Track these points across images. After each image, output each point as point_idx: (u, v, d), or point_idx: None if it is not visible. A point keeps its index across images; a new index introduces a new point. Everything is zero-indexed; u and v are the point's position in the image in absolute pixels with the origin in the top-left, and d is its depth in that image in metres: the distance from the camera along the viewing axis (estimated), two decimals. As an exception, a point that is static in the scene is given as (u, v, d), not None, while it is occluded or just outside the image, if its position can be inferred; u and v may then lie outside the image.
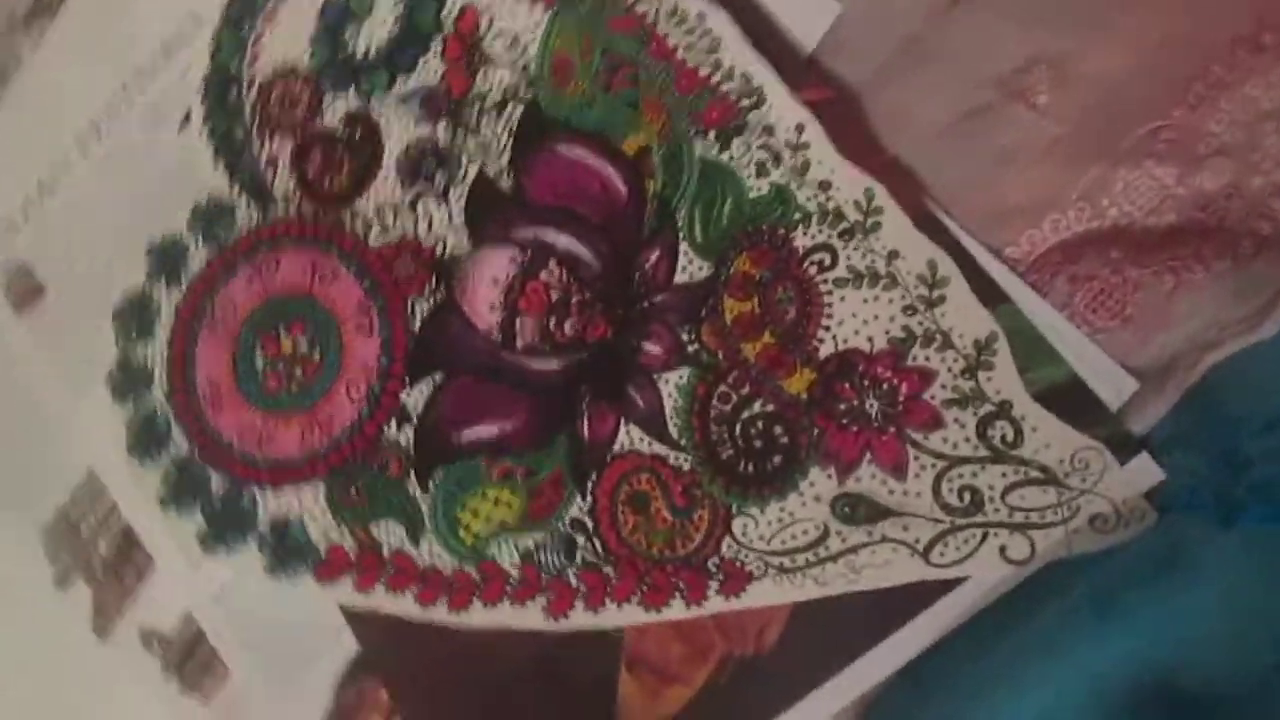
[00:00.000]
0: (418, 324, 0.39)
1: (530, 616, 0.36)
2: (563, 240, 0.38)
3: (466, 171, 0.39)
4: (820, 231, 0.36)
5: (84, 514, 0.42)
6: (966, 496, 0.34)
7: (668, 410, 0.36)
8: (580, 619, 0.36)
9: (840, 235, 0.36)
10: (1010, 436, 0.34)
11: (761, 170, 0.37)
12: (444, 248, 0.39)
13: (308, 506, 0.39)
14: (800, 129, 0.36)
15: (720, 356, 0.36)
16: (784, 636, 0.34)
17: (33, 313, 0.43)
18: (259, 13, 0.42)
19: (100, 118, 0.43)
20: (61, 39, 0.43)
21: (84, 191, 0.43)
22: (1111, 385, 0.33)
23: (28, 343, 0.43)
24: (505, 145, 0.39)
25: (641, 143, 0.38)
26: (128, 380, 0.42)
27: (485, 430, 0.38)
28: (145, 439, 0.41)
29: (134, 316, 0.42)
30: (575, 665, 0.36)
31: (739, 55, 0.37)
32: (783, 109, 0.37)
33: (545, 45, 0.39)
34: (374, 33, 0.41)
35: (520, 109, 0.39)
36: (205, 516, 0.39)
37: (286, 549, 0.38)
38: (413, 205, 0.40)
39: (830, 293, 0.36)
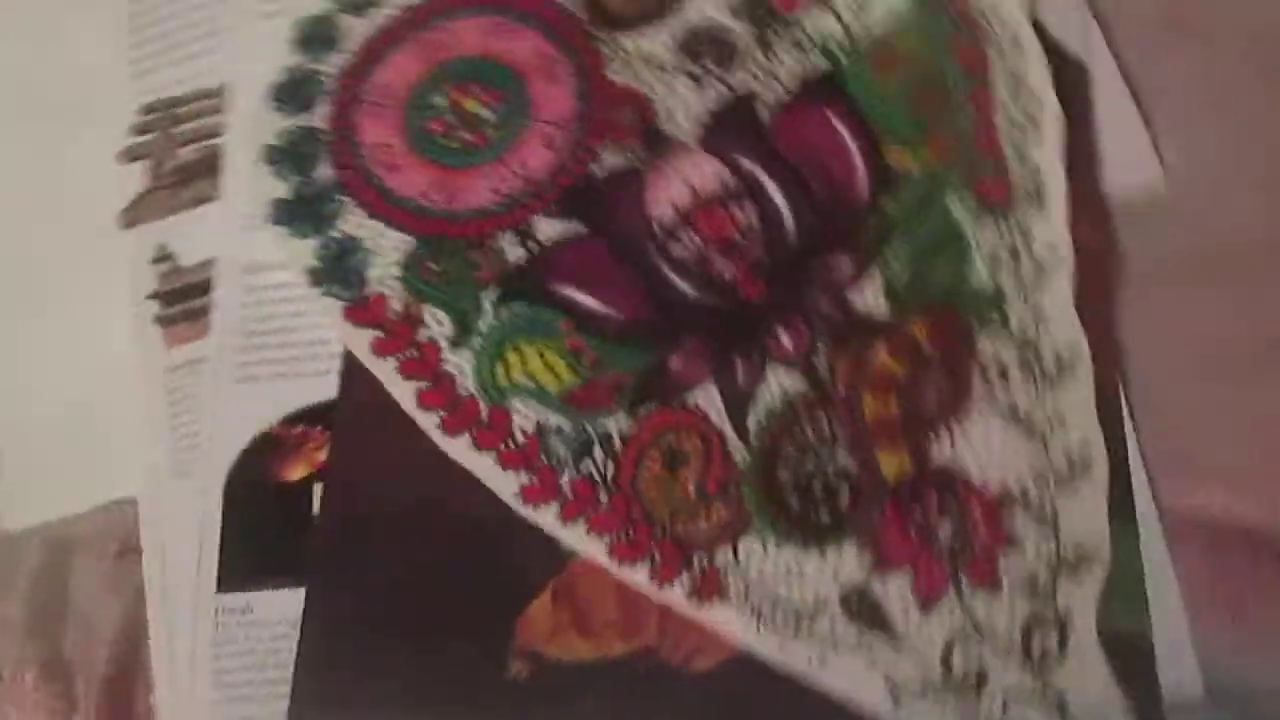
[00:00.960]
0: (599, 169, 0.37)
1: (505, 484, 0.33)
2: (777, 195, 0.36)
3: (736, 80, 0.37)
4: (1009, 352, 0.33)
5: (192, 116, 0.40)
6: (973, 674, 0.31)
7: (757, 400, 0.34)
8: (546, 518, 0.33)
9: (1023, 368, 0.33)
10: (1050, 651, 0.31)
11: (996, 264, 0.34)
12: (668, 124, 0.37)
13: (385, 249, 0.36)
14: (1054, 252, 0.34)
15: (839, 390, 0.34)
16: (714, 672, 0.31)
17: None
18: None
19: None
20: None
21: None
22: (1178, 676, 0.30)
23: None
24: (789, 83, 0.37)
25: (907, 163, 0.36)
26: (306, 34, 0.39)
27: (587, 298, 0.35)
28: (293, 95, 0.38)
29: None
30: (509, 553, 0.33)
31: (1049, 160, 0.35)
32: (1052, 225, 0.34)
33: (886, 27, 0.37)
34: (746, -90, 0.39)
35: (823, 62, 0.37)
36: (293, 187, 0.37)
37: (340, 268, 0.36)
38: (669, 73, 0.38)
39: (981, 411, 0.33)
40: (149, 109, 0.40)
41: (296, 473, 0.35)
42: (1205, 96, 0.37)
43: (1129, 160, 0.36)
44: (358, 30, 0.39)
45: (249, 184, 0.38)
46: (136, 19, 0.42)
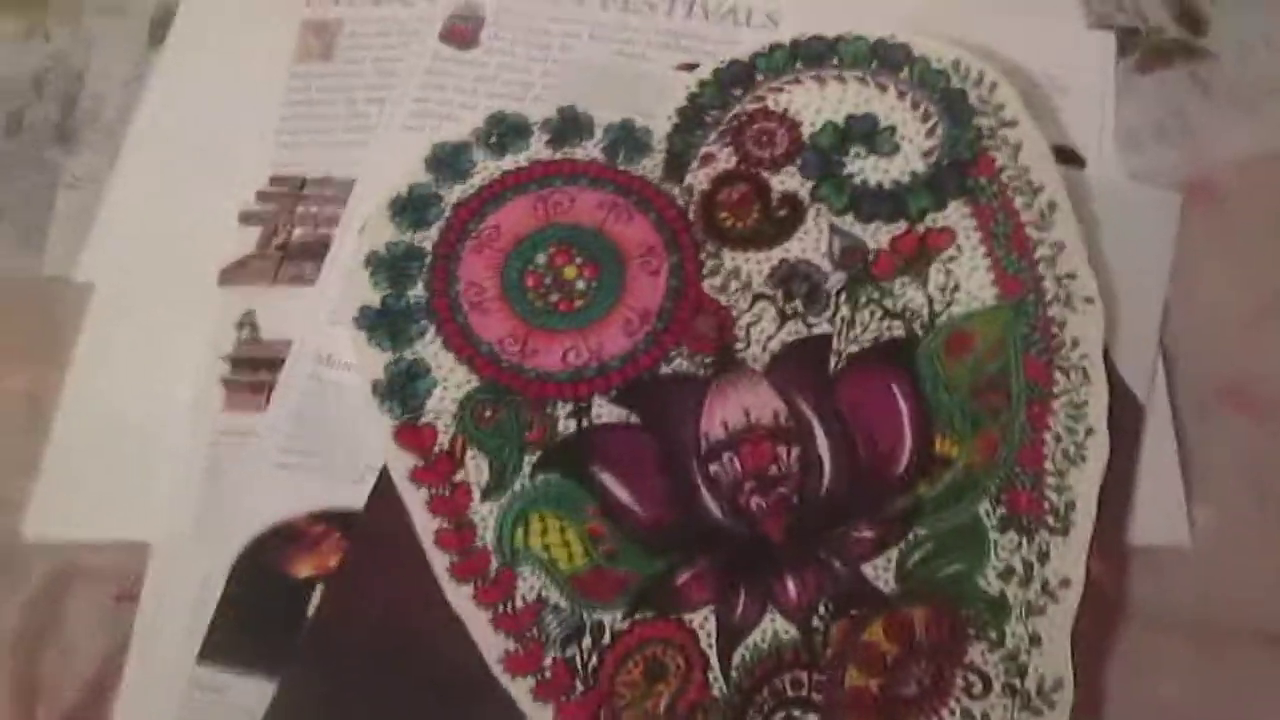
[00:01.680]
0: (667, 368, 0.38)
1: (492, 645, 0.35)
2: (824, 448, 0.37)
3: (818, 324, 0.39)
4: (996, 666, 0.35)
5: (315, 200, 0.42)
6: None
7: (749, 640, 0.35)
8: (520, 690, 0.34)
9: (1005, 688, 0.34)
10: None
11: (1006, 576, 0.36)
12: (744, 347, 0.39)
13: (450, 383, 0.38)
14: (1065, 583, 0.35)
15: (828, 654, 0.35)
16: None
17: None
18: (822, 64, 0.43)
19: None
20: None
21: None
22: None
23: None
24: (864, 341, 0.39)
25: (951, 454, 0.37)
26: (440, 158, 0.42)
27: (620, 490, 0.37)
28: (411, 212, 0.41)
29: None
30: (478, 713, 0.34)
31: (1085, 491, 0.36)
32: (1070, 561, 0.36)
33: (969, 317, 0.39)
34: (873, 169, 0.41)
35: (900, 333, 0.39)
36: (384, 300, 0.39)
37: (404, 388, 0.38)
38: (757, 297, 0.39)
39: (953, 713, 0.34)
40: (278, 180, 0.43)
41: (304, 570, 0.36)
42: (1246, 471, 0.38)
43: (1160, 511, 0.38)
44: (488, 168, 0.42)
45: (346, 281, 0.40)
46: (294, 93, 0.45)
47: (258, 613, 0.36)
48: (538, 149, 0.42)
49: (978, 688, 0.34)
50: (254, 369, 0.39)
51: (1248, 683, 0.35)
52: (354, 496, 0.37)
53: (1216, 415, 0.39)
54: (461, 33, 0.45)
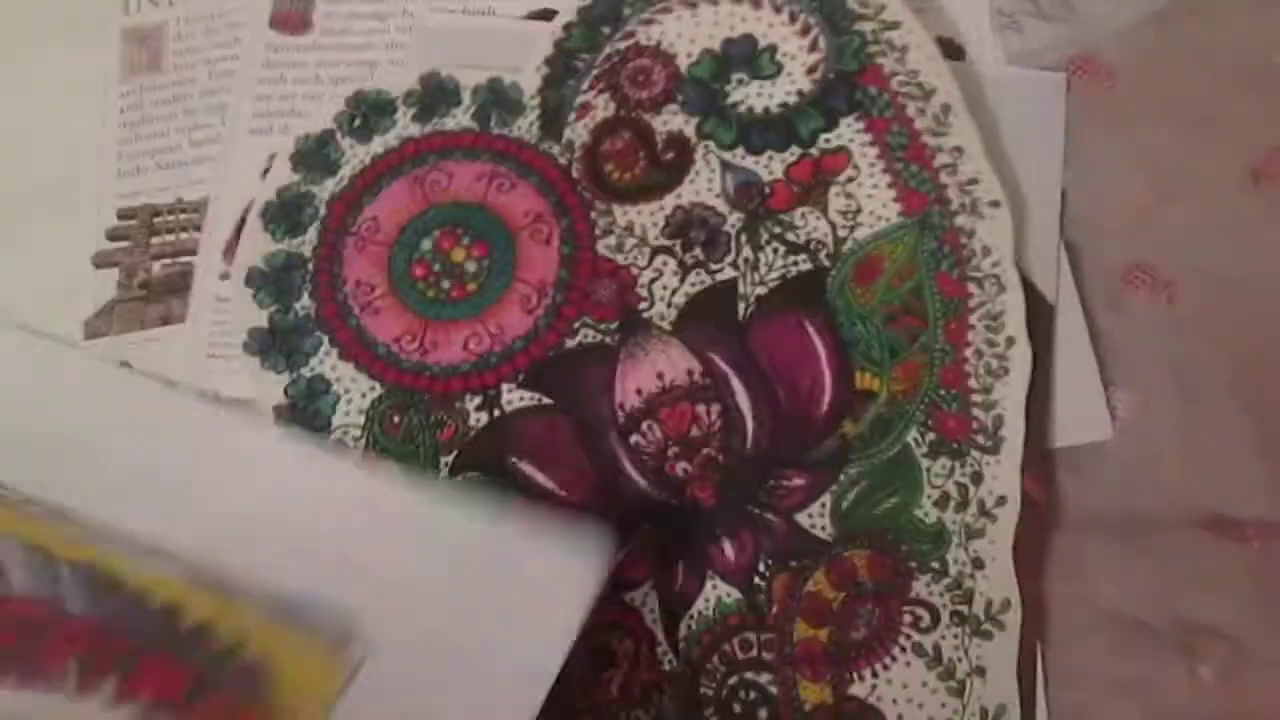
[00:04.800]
0: (572, 342, 0.37)
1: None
2: (744, 400, 0.36)
3: (722, 270, 0.38)
4: (942, 596, 0.34)
5: (170, 229, 0.40)
6: None
7: (693, 609, 0.34)
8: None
9: (953, 616, 0.34)
10: None
11: (943, 502, 0.35)
12: (648, 307, 0.37)
13: (354, 394, 0.37)
14: (1002, 501, 0.35)
15: (773, 611, 0.34)
16: None
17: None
18: (687, -7, 0.40)
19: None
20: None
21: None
22: None
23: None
24: (771, 282, 0.37)
25: (873, 387, 0.36)
26: (305, 153, 0.39)
27: (542, 478, 0.36)
28: (284, 218, 0.38)
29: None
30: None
31: (1012, 404, 0.36)
32: (1004, 478, 0.35)
33: (875, 239, 0.37)
34: (758, 94, 0.39)
35: (807, 267, 0.37)
36: (271, 318, 0.37)
37: (307, 412, 0.36)
38: (655, 251, 0.38)
39: (904, 650, 0.34)
40: (126, 214, 0.40)
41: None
42: (1161, 354, 0.38)
43: (1081, 409, 0.37)
44: (357, 156, 0.39)
45: (232, 304, 0.38)
46: (127, 112, 0.41)
47: None
48: (405, 125, 0.39)
49: (926, 621, 0.34)
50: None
51: (1180, 571, 0.35)
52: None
53: (1127, 301, 0.38)
54: (292, 18, 0.42)
